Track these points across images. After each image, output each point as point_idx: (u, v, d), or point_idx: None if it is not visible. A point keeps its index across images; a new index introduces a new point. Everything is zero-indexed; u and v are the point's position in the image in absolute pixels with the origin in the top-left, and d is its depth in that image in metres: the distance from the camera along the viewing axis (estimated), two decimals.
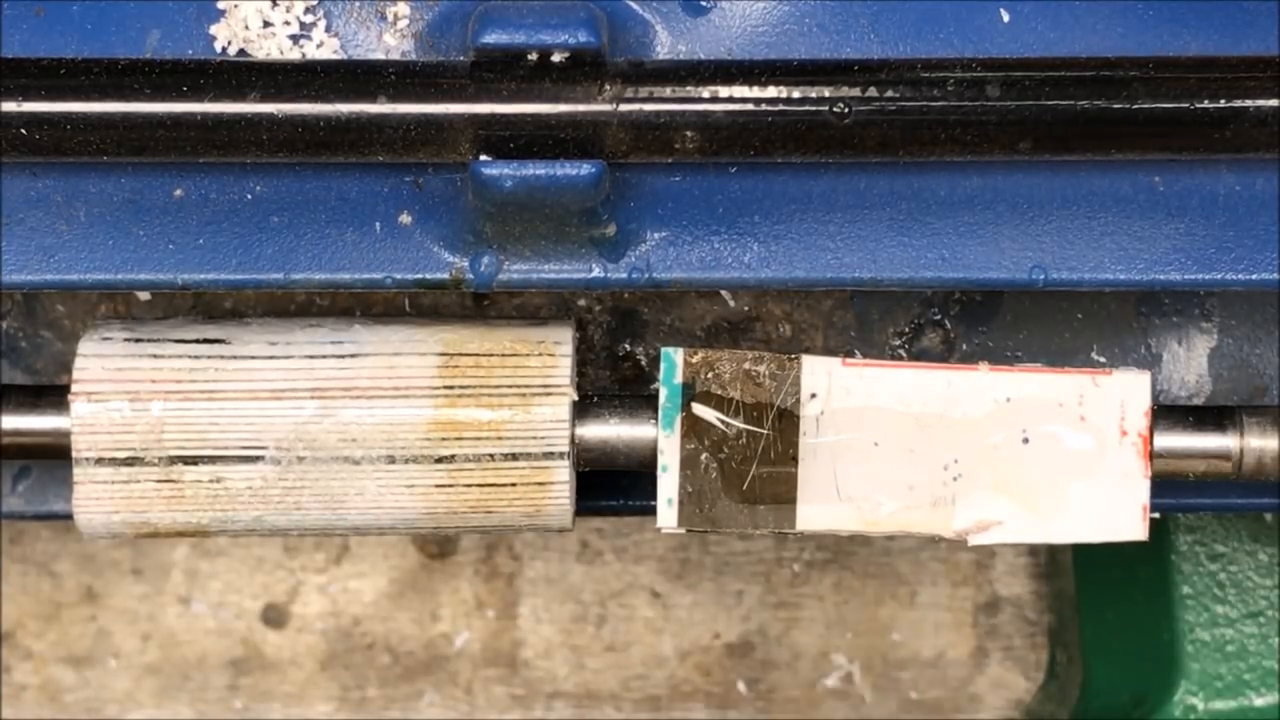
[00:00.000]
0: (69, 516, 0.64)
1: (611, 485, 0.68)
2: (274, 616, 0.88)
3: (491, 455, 0.62)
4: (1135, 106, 0.55)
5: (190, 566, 0.88)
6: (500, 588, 0.89)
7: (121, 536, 0.63)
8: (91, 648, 0.88)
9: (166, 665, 0.88)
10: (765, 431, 0.63)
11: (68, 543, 0.87)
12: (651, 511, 0.64)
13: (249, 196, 0.59)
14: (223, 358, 0.62)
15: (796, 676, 0.90)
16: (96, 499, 0.62)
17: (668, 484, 0.63)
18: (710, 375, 0.63)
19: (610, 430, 0.63)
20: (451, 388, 0.62)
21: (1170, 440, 0.64)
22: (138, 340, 0.63)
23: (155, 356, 0.62)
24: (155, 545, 0.87)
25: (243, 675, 0.89)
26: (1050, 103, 0.55)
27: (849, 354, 0.65)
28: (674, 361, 0.63)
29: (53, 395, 0.63)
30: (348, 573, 0.88)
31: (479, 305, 0.68)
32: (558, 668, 0.89)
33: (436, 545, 0.88)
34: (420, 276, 0.59)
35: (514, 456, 0.62)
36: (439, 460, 0.62)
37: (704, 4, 0.59)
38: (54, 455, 0.63)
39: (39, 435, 0.63)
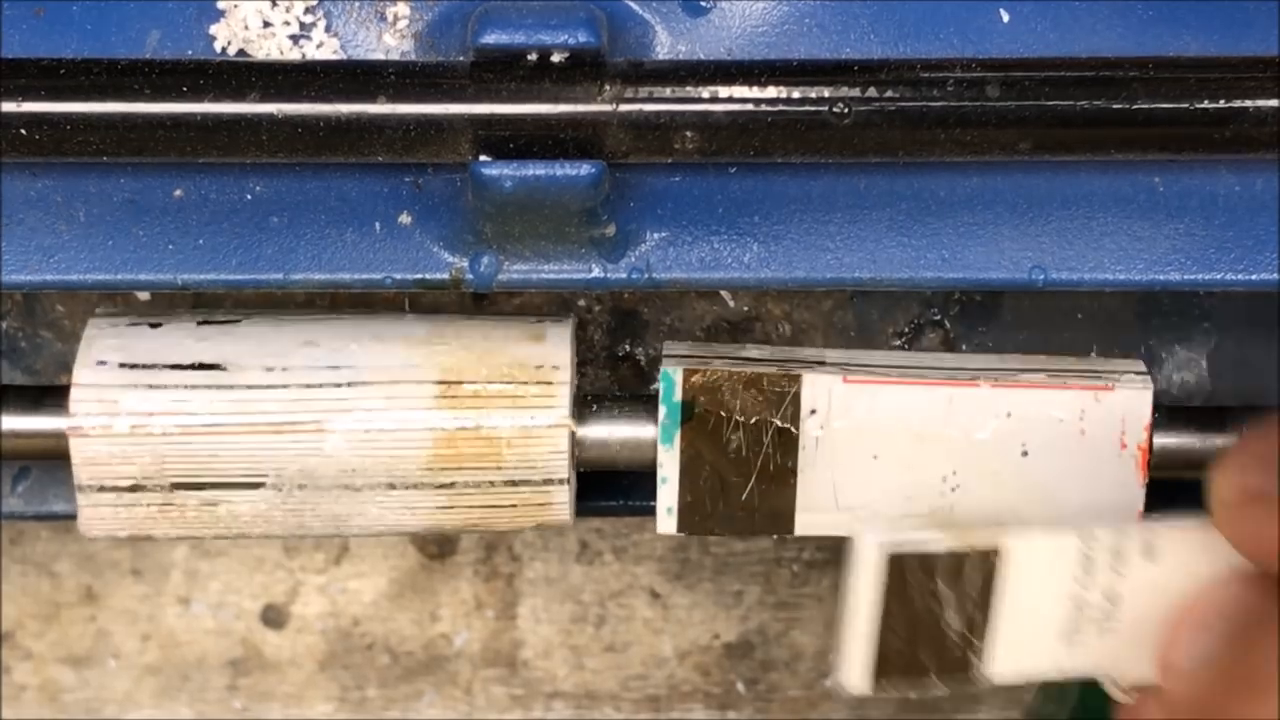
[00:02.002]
0: (69, 517, 0.64)
1: (611, 485, 0.68)
2: (274, 617, 0.88)
3: (492, 481, 0.62)
4: (1135, 107, 0.55)
5: (190, 567, 0.88)
6: (500, 588, 0.89)
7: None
8: (91, 648, 0.88)
9: (166, 665, 0.88)
10: (764, 447, 0.63)
11: (68, 543, 0.87)
12: (651, 511, 0.64)
13: (249, 197, 0.59)
14: (220, 387, 0.61)
15: (796, 676, 0.89)
16: (101, 519, 0.62)
17: (667, 494, 0.63)
18: (710, 393, 0.63)
19: (609, 432, 0.63)
20: (450, 420, 0.62)
21: (1170, 441, 0.64)
22: (133, 367, 0.62)
23: (151, 387, 0.61)
24: (155, 546, 0.87)
25: (242, 675, 0.89)
26: (1050, 103, 0.55)
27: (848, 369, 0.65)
28: (673, 380, 0.62)
29: (53, 396, 0.63)
30: (347, 573, 0.88)
31: (478, 304, 0.68)
32: (557, 668, 0.89)
33: (436, 545, 0.88)
34: (420, 277, 0.59)
35: (514, 483, 0.62)
36: (439, 487, 0.62)
37: (704, 4, 0.59)
38: (54, 456, 0.63)
39: (39, 436, 0.63)
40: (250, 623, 0.89)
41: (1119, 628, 0.58)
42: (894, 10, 0.58)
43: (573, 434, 0.62)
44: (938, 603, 0.58)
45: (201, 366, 0.62)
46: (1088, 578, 0.57)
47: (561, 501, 0.62)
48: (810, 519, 0.63)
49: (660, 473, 0.63)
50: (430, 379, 0.62)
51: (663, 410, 0.63)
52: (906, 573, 0.57)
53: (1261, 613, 0.55)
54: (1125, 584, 0.58)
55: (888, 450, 0.63)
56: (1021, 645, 0.58)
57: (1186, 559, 0.58)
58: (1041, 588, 0.58)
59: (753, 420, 0.63)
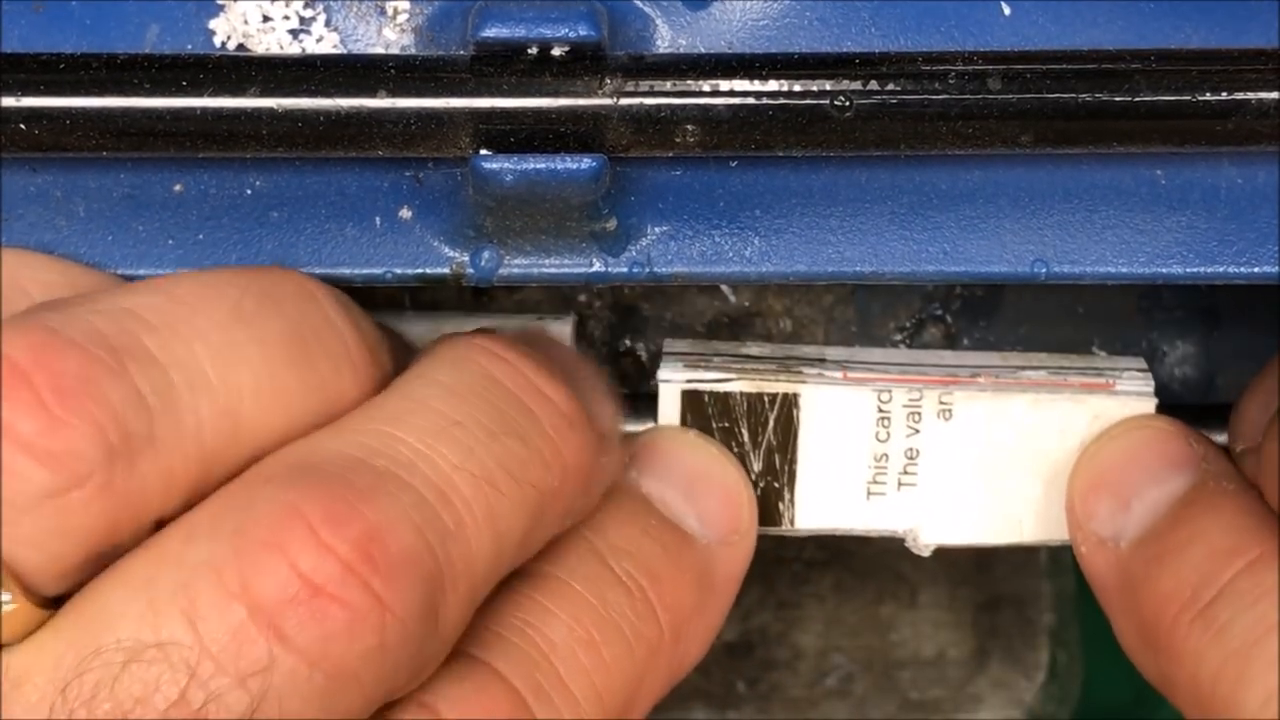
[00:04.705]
0: None
1: None
2: None
3: None
4: (1137, 99, 0.55)
5: None
6: None
7: None
8: None
9: None
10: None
11: None
12: None
13: (249, 192, 0.59)
14: None
15: (797, 676, 0.89)
16: None
17: None
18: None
19: None
20: None
21: None
22: None
23: None
24: None
25: None
26: (1052, 96, 0.55)
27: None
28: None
29: None
30: None
31: (479, 299, 0.68)
32: None
33: None
34: (420, 271, 0.59)
35: None
36: None
37: None
38: None
39: None
40: None
41: (917, 483, 0.62)
42: (895, 4, 0.58)
43: None
44: (738, 444, 0.63)
45: None
46: (886, 433, 0.62)
47: None
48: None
49: None
50: None
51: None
52: (706, 408, 0.62)
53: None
54: (922, 441, 0.62)
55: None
56: (825, 495, 0.63)
57: (979, 422, 0.62)
58: (840, 438, 0.62)
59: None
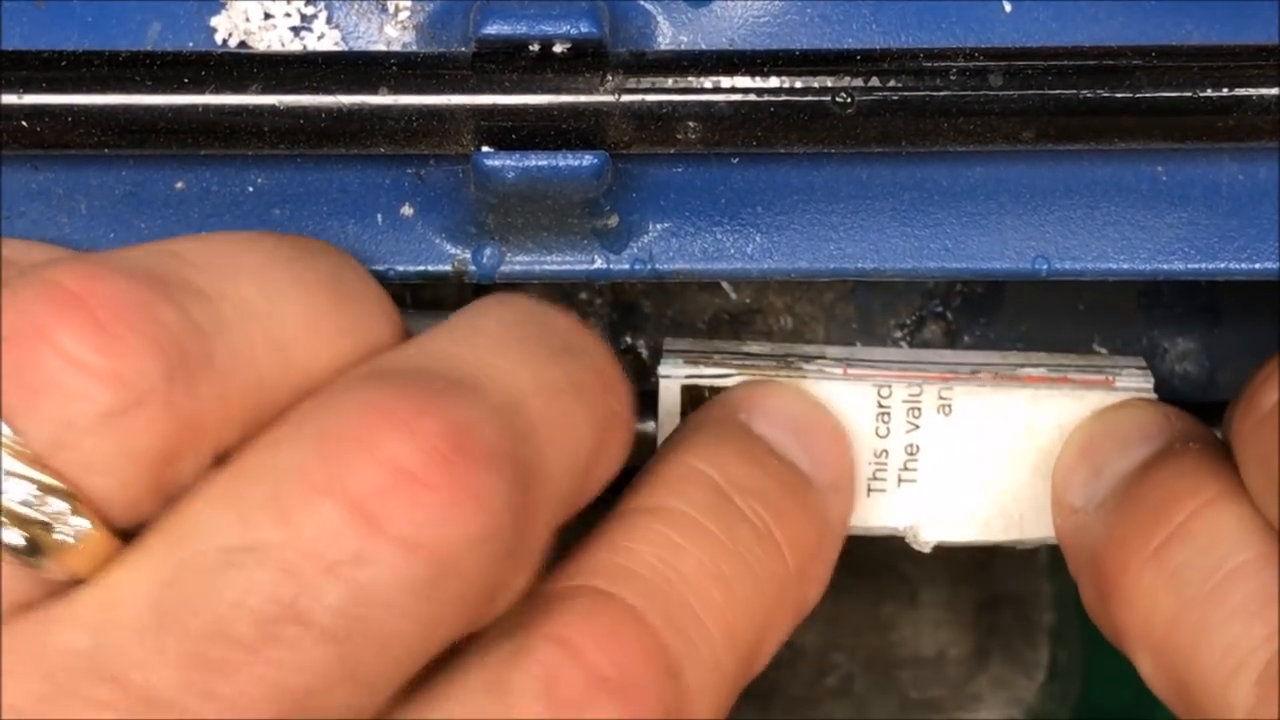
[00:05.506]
0: None
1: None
2: None
3: None
4: (1138, 95, 0.55)
5: None
6: None
7: None
8: None
9: None
10: None
11: None
12: None
13: (250, 189, 0.59)
14: None
15: (796, 675, 0.89)
16: None
17: None
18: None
19: None
20: None
21: None
22: None
23: None
24: None
25: None
26: (1053, 92, 0.55)
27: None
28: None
29: None
30: None
31: (479, 297, 0.68)
32: None
33: None
34: (422, 268, 0.59)
35: None
36: None
37: None
38: None
39: None
40: None
41: (917, 479, 0.63)
42: (896, 0, 0.58)
43: None
44: None
45: None
46: (886, 428, 0.62)
47: None
48: None
49: None
50: None
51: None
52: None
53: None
54: (922, 437, 0.62)
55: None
56: None
57: (979, 417, 0.62)
58: None
59: None
